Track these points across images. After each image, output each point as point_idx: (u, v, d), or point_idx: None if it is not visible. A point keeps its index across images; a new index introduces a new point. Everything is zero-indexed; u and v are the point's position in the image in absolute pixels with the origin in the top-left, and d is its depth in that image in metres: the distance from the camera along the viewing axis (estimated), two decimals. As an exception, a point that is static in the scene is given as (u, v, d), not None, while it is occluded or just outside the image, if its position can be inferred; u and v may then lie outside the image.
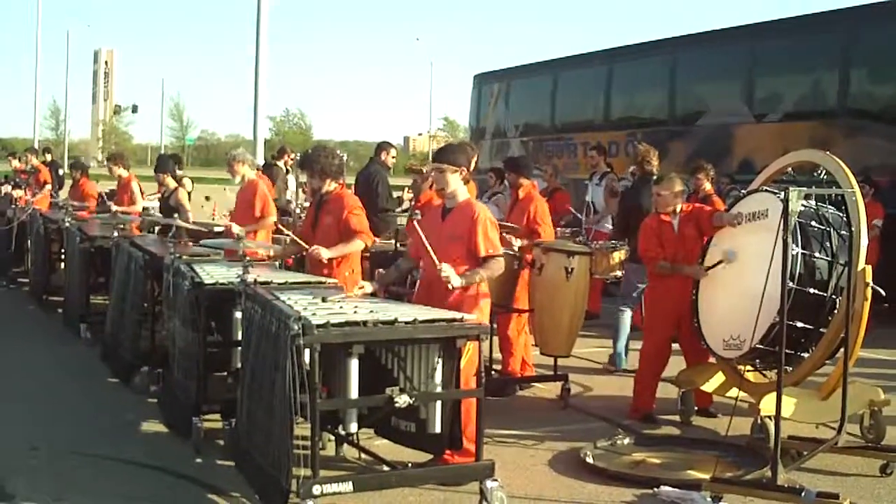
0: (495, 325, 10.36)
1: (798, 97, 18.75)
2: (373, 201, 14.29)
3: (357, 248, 9.26)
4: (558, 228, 12.32)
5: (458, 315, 6.75)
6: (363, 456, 7.74)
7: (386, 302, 7.30)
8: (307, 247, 9.20)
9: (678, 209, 9.82)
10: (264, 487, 6.62)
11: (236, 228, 10.78)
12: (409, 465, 7.40)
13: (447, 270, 7.35)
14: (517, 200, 11.30)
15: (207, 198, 17.46)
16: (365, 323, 6.28)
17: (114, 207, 14.77)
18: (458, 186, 7.86)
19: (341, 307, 6.75)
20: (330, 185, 9.35)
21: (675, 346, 9.94)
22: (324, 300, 6.92)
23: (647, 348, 9.99)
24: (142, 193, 16.04)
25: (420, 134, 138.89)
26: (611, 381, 11.29)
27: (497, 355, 10.75)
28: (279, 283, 7.87)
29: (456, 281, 7.39)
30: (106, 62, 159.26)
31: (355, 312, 6.51)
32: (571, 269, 10.21)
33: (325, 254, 9.06)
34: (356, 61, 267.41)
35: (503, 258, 7.80)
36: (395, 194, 15.02)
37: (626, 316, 12.01)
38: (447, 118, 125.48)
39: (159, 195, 15.23)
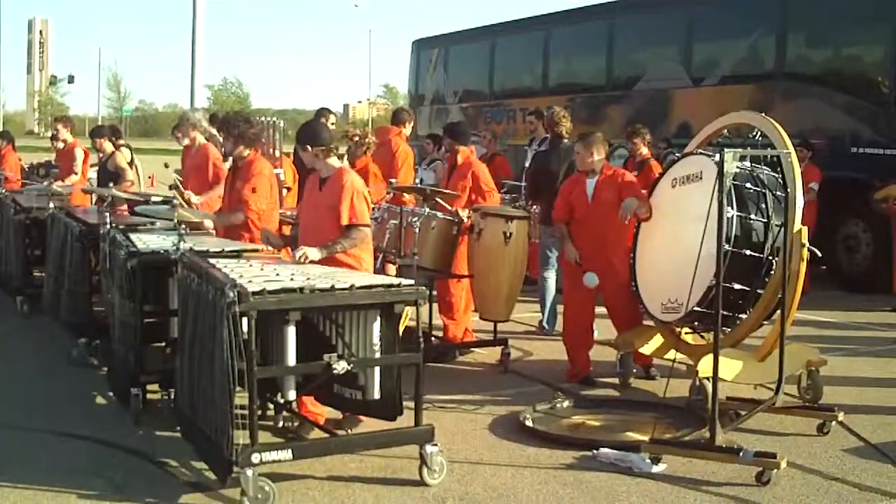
0: (433, 291, 10.40)
1: (735, 61, 18.83)
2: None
3: (236, 220, 9.19)
4: (501, 194, 12.35)
5: (395, 280, 6.75)
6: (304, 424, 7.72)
7: (324, 268, 7.27)
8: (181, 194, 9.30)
9: (596, 170, 9.83)
10: (210, 457, 6.60)
11: (195, 198, 10.58)
12: (349, 431, 7.42)
13: (300, 253, 7.46)
14: (455, 166, 11.29)
15: (166, 165, 17.23)
16: (301, 290, 6.26)
17: (55, 184, 14.50)
18: (329, 160, 7.92)
19: (277, 274, 6.72)
20: (244, 152, 9.29)
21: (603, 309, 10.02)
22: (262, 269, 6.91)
23: (570, 313, 10.04)
24: (86, 160, 15.80)
25: (360, 101, 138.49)
26: (550, 346, 11.33)
27: (437, 321, 10.77)
28: (215, 252, 7.82)
29: (313, 254, 7.46)
30: (41, 32, 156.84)
31: (291, 279, 6.48)
32: (510, 234, 10.24)
33: (207, 222, 9.17)
34: (294, 29, 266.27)
35: (367, 229, 7.83)
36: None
37: (549, 280, 12.09)
38: (387, 85, 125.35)
39: (97, 164, 15.08)
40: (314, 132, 7.99)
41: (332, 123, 14.90)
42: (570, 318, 9.99)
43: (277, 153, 12.95)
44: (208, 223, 9.30)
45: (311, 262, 7.40)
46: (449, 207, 10.37)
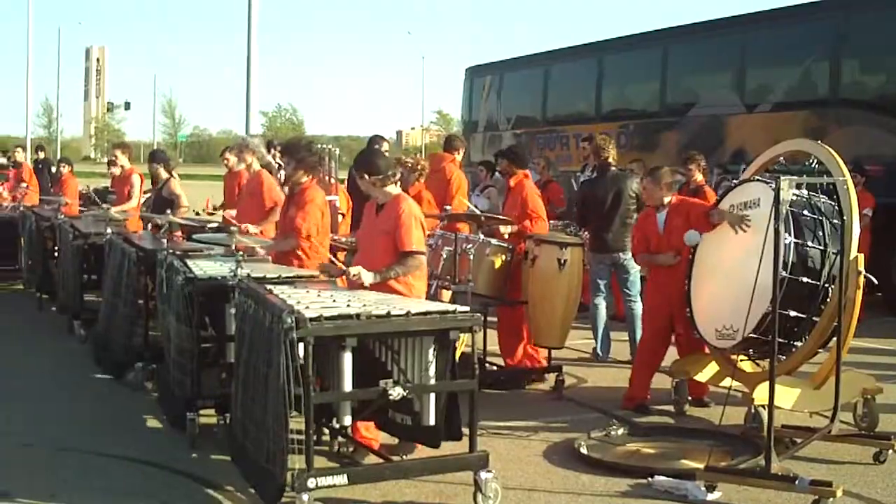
0: (488, 317, 10.41)
1: (789, 87, 18.74)
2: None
3: (287, 246, 9.24)
4: (551, 221, 12.34)
5: (450, 307, 6.77)
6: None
7: (379, 294, 7.30)
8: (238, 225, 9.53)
9: (665, 201, 9.83)
10: (260, 482, 6.62)
11: (253, 228, 10.41)
12: (404, 457, 7.42)
13: (355, 271, 7.49)
14: (510, 190, 11.33)
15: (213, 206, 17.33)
16: (358, 316, 6.28)
17: (113, 209, 14.66)
18: (380, 191, 7.95)
19: (334, 301, 6.76)
20: (302, 178, 9.34)
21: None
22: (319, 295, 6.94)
23: (644, 337, 10.08)
24: (141, 188, 15.93)
25: (413, 128, 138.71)
26: (605, 372, 11.32)
27: (492, 347, 10.77)
28: (272, 278, 7.87)
29: (367, 278, 7.48)
30: (97, 59, 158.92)
31: (348, 306, 6.51)
32: (564, 261, 10.24)
33: (259, 249, 9.22)
34: (348, 56, 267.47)
35: (423, 257, 7.83)
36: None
37: (600, 307, 12.09)
38: (440, 112, 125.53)
39: (152, 191, 15.22)
40: (370, 161, 8.03)
41: (386, 150, 14.98)
42: (643, 347, 10.06)
43: (332, 180, 13.00)
44: (261, 250, 9.34)
45: (363, 284, 7.45)
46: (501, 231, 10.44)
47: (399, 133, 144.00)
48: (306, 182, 9.33)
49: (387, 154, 15.13)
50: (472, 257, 9.91)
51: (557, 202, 16.38)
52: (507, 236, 10.55)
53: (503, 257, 10.21)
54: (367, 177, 7.89)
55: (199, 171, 55.19)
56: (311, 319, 6.10)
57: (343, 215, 13.00)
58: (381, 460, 7.33)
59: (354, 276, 7.46)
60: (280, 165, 12.55)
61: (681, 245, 9.66)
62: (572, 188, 17.42)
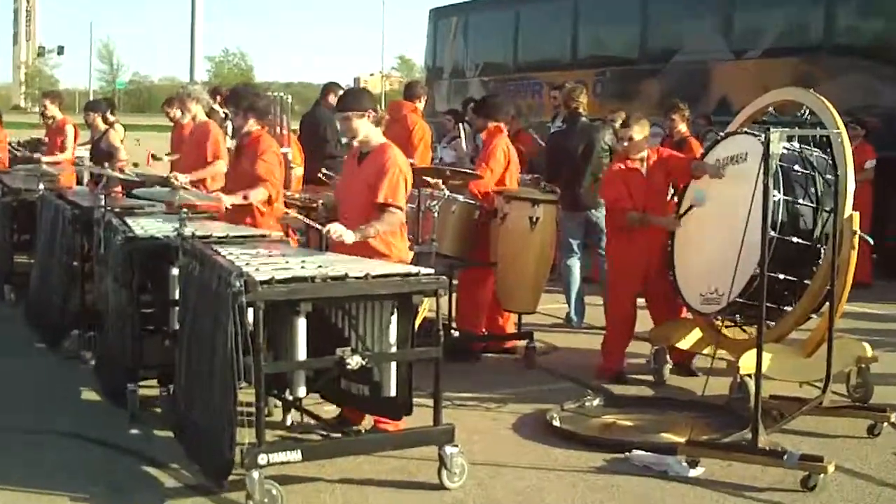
0: (454, 280, 10.40)
1: (780, 32, 18.74)
2: (320, 148, 14.24)
3: (259, 196, 9.17)
4: (522, 175, 12.31)
5: (413, 269, 6.78)
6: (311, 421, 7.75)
7: (337, 255, 7.29)
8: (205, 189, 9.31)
9: (644, 156, 9.82)
10: (206, 459, 6.61)
11: (182, 177, 10.36)
12: (363, 430, 7.44)
13: (334, 228, 7.46)
14: (484, 145, 11.33)
15: (138, 141, 17.24)
16: (313, 279, 6.28)
17: (43, 159, 14.56)
18: (370, 131, 7.90)
19: (287, 262, 6.75)
20: (252, 126, 9.30)
21: (641, 300, 10.03)
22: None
23: (613, 309, 10.06)
24: (76, 139, 15.81)
25: (372, 75, 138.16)
26: (579, 339, 11.37)
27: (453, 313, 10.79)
28: (219, 237, 7.85)
29: (349, 237, 7.46)
30: (27, 0, 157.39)
31: (302, 268, 6.50)
32: (536, 219, 10.22)
33: (226, 200, 9.04)
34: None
35: (402, 213, 7.83)
36: (344, 140, 14.92)
37: (573, 269, 12.14)
38: (402, 57, 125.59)
39: (90, 142, 15.12)
40: (356, 96, 8.11)
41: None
42: (613, 319, 10.04)
43: (284, 131, 12.95)
44: (223, 202, 9.22)
45: (349, 242, 7.46)
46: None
47: (356, 80, 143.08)
48: (257, 131, 9.28)
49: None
50: (436, 215, 9.90)
51: (530, 153, 16.36)
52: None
53: (471, 216, 10.20)
54: (351, 115, 7.82)
55: (140, 121, 54.59)
56: (262, 282, 6.09)
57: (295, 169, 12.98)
58: (338, 435, 7.35)
59: (334, 234, 7.43)
60: (226, 115, 12.46)
61: (664, 204, 9.69)
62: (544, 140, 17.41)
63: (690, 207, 9.50)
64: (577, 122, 12.11)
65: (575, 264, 12.12)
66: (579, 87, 12.61)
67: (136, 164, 14.54)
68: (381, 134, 8.09)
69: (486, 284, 10.59)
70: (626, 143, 9.85)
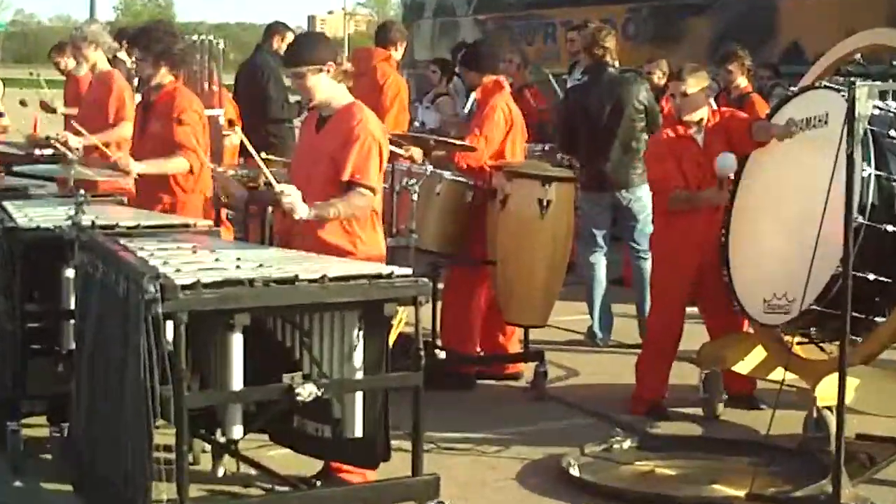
0: (440, 284, 10.41)
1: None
2: (261, 107, 14.27)
3: (177, 167, 9.18)
4: (528, 144, 12.29)
5: (384, 269, 6.77)
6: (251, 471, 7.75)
7: (285, 252, 7.29)
8: (110, 154, 9.24)
9: (703, 117, 9.81)
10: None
11: (73, 140, 10.30)
12: (317, 483, 7.44)
13: (289, 192, 7.45)
14: (477, 107, 11.33)
15: (23, 102, 17.18)
16: (252, 282, 6.26)
17: None
18: (331, 89, 7.89)
19: (217, 260, 6.74)
20: (164, 78, 9.29)
21: (693, 309, 10.05)
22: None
23: (655, 317, 10.08)
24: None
25: (331, 12, 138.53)
26: (605, 360, 11.39)
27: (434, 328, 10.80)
28: (128, 227, 7.84)
29: (302, 210, 7.45)
30: None
31: (238, 267, 6.50)
32: (548, 203, 10.20)
33: (134, 167, 9.00)
34: None
35: (374, 195, 7.82)
36: (292, 98, 14.94)
37: (597, 268, 12.13)
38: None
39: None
40: (311, 44, 8.10)
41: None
42: (655, 329, 10.08)
43: (214, 87, 12.95)
44: (125, 179, 9.22)
45: (300, 218, 7.46)
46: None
47: (311, 19, 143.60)
48: (171, 83, 9.28)
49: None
50: (415, 197, 9.90)
51: (541, 116, 16.35)
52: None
53: (461, 198, 10.21)
54: (305, 69, 7.81)
55: (22, 74, 54.34)
56: (184, 287, 6.07)
57: (230, 136, 12.98)
58: (286, 489, 7.35)
59: (285, 201, 7.41)
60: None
61: (723, 183, 9.70)
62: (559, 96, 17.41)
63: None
64: (603, 73, 12.06)
65: (599, 262, 12.11)
66: (606, 27, 12.59)
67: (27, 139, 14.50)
68: (348, 91, 8.05)
69: (481, 289, 10.61)
70: (678, 102, 9.87)
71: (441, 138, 10.94)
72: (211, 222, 8.84)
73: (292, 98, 14.59)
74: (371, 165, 7.70)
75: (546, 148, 13.93)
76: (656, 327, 10.02)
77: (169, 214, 8.86)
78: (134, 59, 10.11)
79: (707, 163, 9.66)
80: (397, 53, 13.57)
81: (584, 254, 12.10)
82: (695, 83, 9.75)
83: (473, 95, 12.36)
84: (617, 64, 12.22)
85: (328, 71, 7.79)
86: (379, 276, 6.65)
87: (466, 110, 14.77)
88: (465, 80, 12.11)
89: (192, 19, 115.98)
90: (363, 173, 7.66)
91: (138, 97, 10.52)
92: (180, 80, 9.44)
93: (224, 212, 10.43)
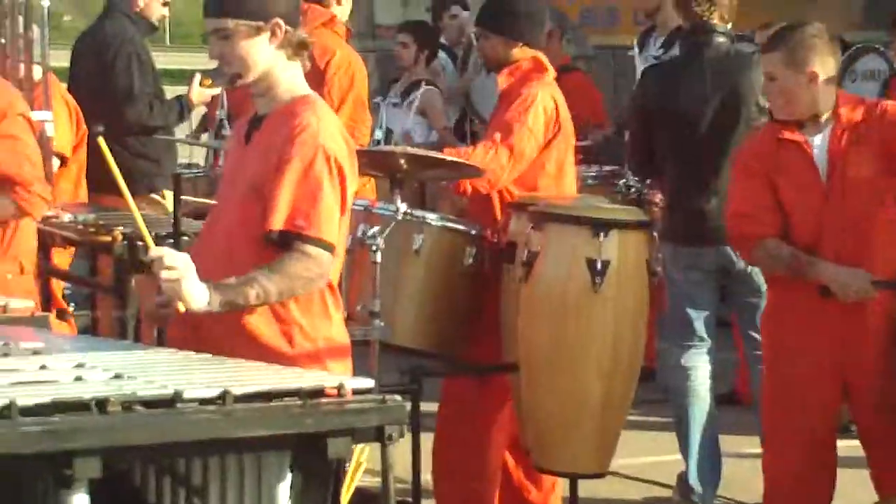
0: (419, 403, 10.43)
1: None
2: (113, 104, 14.28)
3: (5, 213, 9.20)
4: (580, 167, 12.30)
5: (330, 379, 6.75)
6: None
7: (162, 353, 7.30)
8: None
9: (826, 113, 9.86)
10: None
11: None
12: None
13: (171, 262, 7.27)
14: (501, 98, 11.34)
15: None
16: (103, 404, 6.24)
17: None
18: (273, 66, 7.84)
19: (43, 367, 6.73)
20: None
21: (851, 442, 10.03)
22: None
23: (770, 459, 10.08)
24: None
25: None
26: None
27: (428, 474, 10.82)
28: None
29: (195, 297, 7.33)
30: None
31: (79, 379, 6.49)
32: (604, 266, 10.22)
33: None
34: None
35: (326, 254, 7.67)
36: (199, 92, 14.90)
37: (694, 375, 12.06)
38: None
39: None
40: None
41: (165, 2, 15.04)
42: (774, 464, 10.10)
43: (37, 73, 12.94)
44: None
45: (193, 310, 7.41)
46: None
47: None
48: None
49: (166, 5, 15.31)
50: (378, 258, 9.91)
51: (594, 114, 16.43)
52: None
53: (457, 259, 10.23)
54: (233, 24, 7.71)
55: None
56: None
57: (63, 159, 12.98)
58: None
59: (166, 284, 7.34)
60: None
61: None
62: (620, 85, 17.50)
63: None
64: (707, 46, 12.06)
65: (698, 366, 12.07)
66: None
67: None
68: (302, 77, 7.98)
69: (495, 414, 10.64)
70: (769, 87, 9.90)
71: (423, 152, 10.95)
72: (32, 303, 8.83)
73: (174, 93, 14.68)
74: (323, 204, 7.62)
75: (601, 171, 13.97)
76: (773, 476, 10.06)
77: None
78: None
79: (835, 193, 9.68)
80: (343, 11, 13.57)
81: (670, 352, 12.09)
82: (812, 60, 9.77)
83: (492, 80, 12.28)
84: (726, 30, 12.13)
85: (273, 34, 7.74)
86: (319, 393, 6.63)
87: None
88: (483, 54, 11.94)
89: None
90: (308, 218, 7.58)
91: None
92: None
93: (58, 285, 10.44)
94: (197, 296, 7.28)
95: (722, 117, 11.68)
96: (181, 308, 7.26)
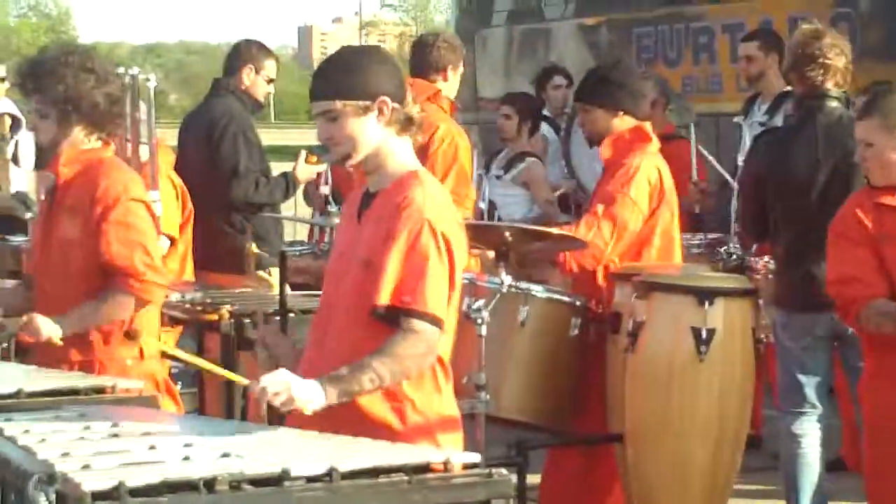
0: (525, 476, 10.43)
1: None
2: (220, 182, 14.32)
3: (117, 311, 9.30)
4: (685, 235, 12.27)
5: (436, 455, 6.76)
6: None
7: (268, 431, 7.32)
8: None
9: None
10: None
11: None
12: None
13: (277, 387, 7.19)
14: (605, 169, 11.34)
15: None
16: (211, 484, 6.27)
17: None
18: (382, 143, 7.84)
19: (153, 448, 6.76)
20: (90, 141, 9.30)
21: None
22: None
23: None
24: None
25: (337, 20, 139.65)
26: None
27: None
28: (6, 396, 7.88)
29: (314, 399, 7.25)
30: None
31: (187, 459, 6.51)
32: (709, 335, 10.22)
33: (49, 331, 9.05)
34: None
35: (435, 332, 7.59)
36: (304, 170, 14.93)
37: (805, 443, 12.01)
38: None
39: None
40: (353, 64, 7.95)
41: (269, 78, 15.06)
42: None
43: (145, 149, 12.98)
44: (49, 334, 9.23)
45: (300, 411, 7.37)
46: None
47: (306, 31, 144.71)
48: (98, 152, 9.32)
49: (271, 83, 15.31)
50: (483, 331, 9.93)
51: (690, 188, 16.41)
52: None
53: (563, 330, 10.24)
54: (340, 105, 7.73)
55: None
56: (97, 496, 6.09)
57: (172, 239, 13.02)
58: None
59: (276, 401, 7.23)
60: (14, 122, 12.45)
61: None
62: (723, 150, 17.46)
63: None
64: (819, 111, 12.01)
65: (809, 433, 12.02)
66: (828, 31, 12.32)
67: None
68: (412, 152, 8.02)
69: (600, 485, 10.63)
70: (865, 154, 9.87)
71: (529, 226, 10.97)
72: (141, 383, 8.84)
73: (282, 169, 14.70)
74: (429, 278, 7.59)
75: (704, 239, 13.95)
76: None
77: (74, 373, 8.88)
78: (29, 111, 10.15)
79: None
80: (451, 86, 13.57)
81: (781, 419, 12.05)
82: (883, 124, 9.75)
83: (593, 153, 12.25)
84: (840, 95, 12.04)
85: (380, 112, 7.78)
86: (425, 469, 6.66)
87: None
88: (586, 128, 11.91)
89: (112, 40, 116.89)
90: (414, 293, 7.55)
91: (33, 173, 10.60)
92: (111, 148, 9.41)
93: (167, 366, 10.41)
94: (313, 398, 7.24)
95: (834, 182, 11.61)
96: (304, 410, 7.22)
